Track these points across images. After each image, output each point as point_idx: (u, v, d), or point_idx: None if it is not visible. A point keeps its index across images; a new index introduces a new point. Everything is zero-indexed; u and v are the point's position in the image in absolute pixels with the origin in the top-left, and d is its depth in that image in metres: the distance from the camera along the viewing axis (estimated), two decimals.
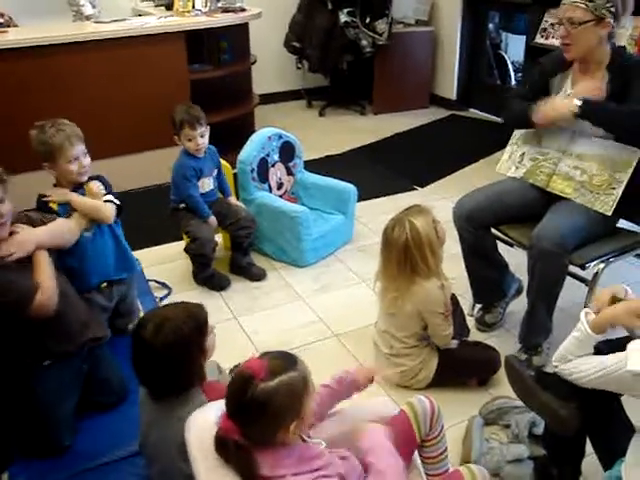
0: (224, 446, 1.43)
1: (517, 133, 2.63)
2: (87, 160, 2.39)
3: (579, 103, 2.26)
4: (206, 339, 1.76)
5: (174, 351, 1.66)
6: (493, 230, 2.67)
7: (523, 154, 2.57)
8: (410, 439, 1.70)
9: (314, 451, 1.51)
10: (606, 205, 2.33)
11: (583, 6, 2.23)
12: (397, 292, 2.33)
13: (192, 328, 1.71)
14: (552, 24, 4.45)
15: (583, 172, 2.39)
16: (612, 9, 2.23)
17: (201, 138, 3.02)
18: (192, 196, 3.06)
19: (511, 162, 2.61)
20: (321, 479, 1.44)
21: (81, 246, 2.38)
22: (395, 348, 2.40)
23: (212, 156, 3.15)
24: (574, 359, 1.63)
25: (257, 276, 3.24)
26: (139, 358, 1.70)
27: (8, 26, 4.46)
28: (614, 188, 2.32)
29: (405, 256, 2.26)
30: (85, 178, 2.42)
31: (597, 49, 2.33)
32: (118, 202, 2.51)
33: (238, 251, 3.26)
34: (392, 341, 2.41)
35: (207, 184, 3.14)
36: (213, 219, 3.11)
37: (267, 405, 1.37)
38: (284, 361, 1.44)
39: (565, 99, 2.35)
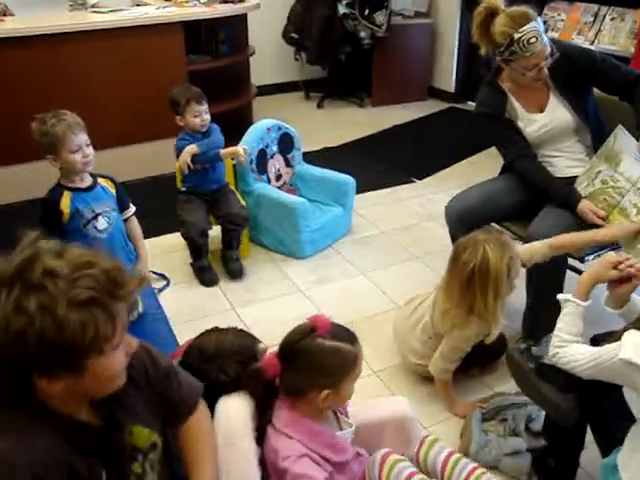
0: (255, 377, 1.51)
1: (605, 147, 2.37)
2: (90, 150, 2.35)
3: None
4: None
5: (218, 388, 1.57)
6: (494, 225, 2.66)
7: (599, 172, 2.37)
8: None
9: (333, 441, 1.55)
10: (635, 251, 2.19)
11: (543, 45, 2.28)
12: (456, 320, 2.14)
13: (237, 367, 1.60)
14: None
15: (638, 210, 2.26)
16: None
17: (206, 114, 3.06)
18: (178, 142, 3.05)
19: (587, 176, 2.42)
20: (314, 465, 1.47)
21: (96, 247, 2.36)
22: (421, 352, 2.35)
23: (209, 135, 3.13)
24: (570, 340, 1.59)
25: (232, 273, 3.19)
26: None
27: (4, 15, 4.43)
28: None
29: (468, 284, 2.06)
30: (90, 168, 2.38)
31: None
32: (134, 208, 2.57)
33: (224, 243, 3.26)
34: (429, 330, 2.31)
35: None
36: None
37: (314, 359, 1.47)
38: (346, 332, 1.54)
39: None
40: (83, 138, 2.32)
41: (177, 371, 1.43)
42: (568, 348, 1.57)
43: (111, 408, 1.23)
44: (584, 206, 2.34)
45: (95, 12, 4.32)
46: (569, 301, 1.63)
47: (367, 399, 1.87)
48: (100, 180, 2.45)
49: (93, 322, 1.06)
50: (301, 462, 1.47)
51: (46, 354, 1.04)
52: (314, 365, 1.48)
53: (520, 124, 2.51)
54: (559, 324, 1.64)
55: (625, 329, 1.44)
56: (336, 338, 1.49)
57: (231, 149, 3.16)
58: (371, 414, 1.79)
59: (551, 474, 1.93)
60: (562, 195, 2.41)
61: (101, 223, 2.39)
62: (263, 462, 1.51)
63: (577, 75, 2.38)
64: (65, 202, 2.32)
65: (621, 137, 2.31)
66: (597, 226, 2.32)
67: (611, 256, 1.64)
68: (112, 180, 2.51)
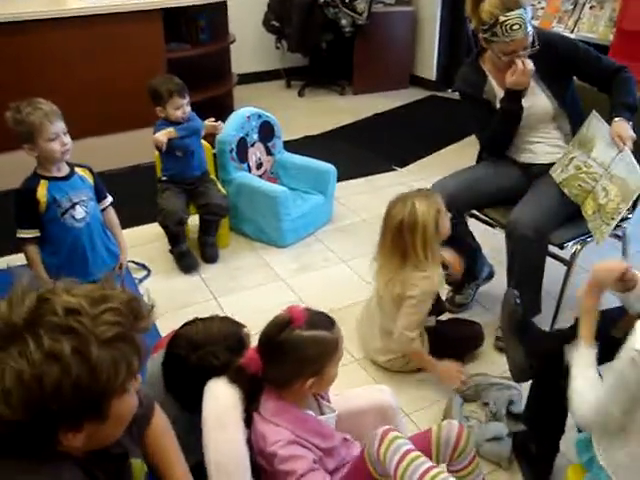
0: (239, 373, 1.51)
1: (579, 133, 2.42)
2: (68, 138, 2.31)
3: (630, 126, 2.24)
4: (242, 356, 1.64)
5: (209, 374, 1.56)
6: (474, 212, 2.68)
7: (573, 158, 2.40)
8: None
9: (320, 427, 1.56)
10: (601, 235, 2.27)
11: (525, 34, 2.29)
12: (391, 274, 2.29)
13: (227, 355, 1.60)
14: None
15: (606, 195, 2.27)
16: None
17: (187, 106, 3.04)
18: (156, 128, 3.03)
19: (560, 163, 2.45)
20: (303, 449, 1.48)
21: (76, 239, 2.36)
22: (387, 332, 2.38)
23: (192, 122, 3.10)
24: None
25: (208, 258, 3.21)
26: (172, 372, 1.64)
27: None
28: (613, 219, 2.24)
29: (397, 237, 2.22)
30: (68, 157, 2.34)
31: None
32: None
33: (201, 229, 3.25)
34: (387, 325, 2.38)
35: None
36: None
37: (294, 351, 1.47)
38: (323, 319, 1.54)
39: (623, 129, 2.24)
40: (60, 126, 2.28)
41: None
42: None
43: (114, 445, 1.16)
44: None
45: None
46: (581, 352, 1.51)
47: (349, 387, 1.87)
48: (77, 169, 2.42)
49: (125, 360, 1.00)
50: (290, 446, 1.48)
51: (79, 403, 0.96)
52: (295, 357, 1.48)
53: (498, 106, 2.52)
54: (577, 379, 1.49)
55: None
56: (314, 327, 1.50)
57: (209, 125, 3.17)
58: (354, 403, 1.79)
59: (532, 460, 1.95)
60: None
61: (79, 212, 2.37)
62: (250, 445, 1.51)
63: (559, 64, 2.40)
64: (42, 191, 2.30)
65: (594, 123, 2.34)
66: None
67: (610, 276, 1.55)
68: (89, 170, 2.48)
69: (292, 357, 1.48)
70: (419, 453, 1.46)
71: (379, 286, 2.38)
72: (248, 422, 1.54)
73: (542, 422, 1.88)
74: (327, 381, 1.56)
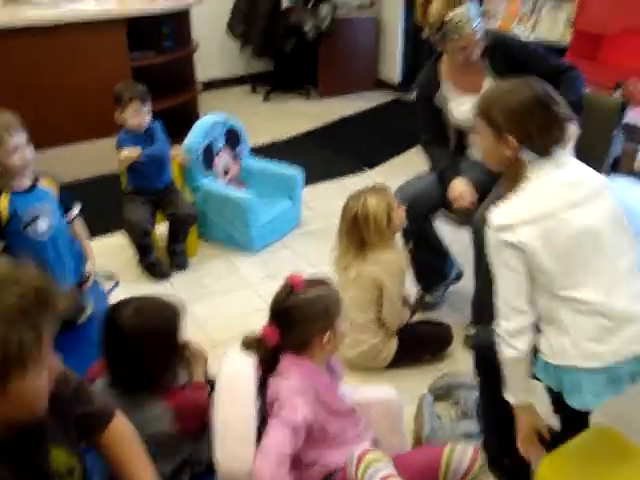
0: (257, 343, 1.65)
1: None
2: (30, 150, 2.26)
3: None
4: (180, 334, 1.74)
5: (149, 339, 1.64)
6: (439, 212, 2.71)
7: None
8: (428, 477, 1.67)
9: (331, 384, 1.68)
10: None
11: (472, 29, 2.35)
12: (347, 261, 2.42)
13: (172, 315, 1.72)
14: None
15: None
16: None
17: (147, 115, 3.02)
18: (118, 140, 3.03)
19: None
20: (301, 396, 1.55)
21: (40, 252, 2.32)
22: (353, 323, 2.39)
23: (152, 135, 3.08)
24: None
25: (178, 265, 3.21)
26: (111, 343, 1.66)
27: None
28: None
29: (352, 228, 2.37)
30: (29, 170, 2.30)
31: None
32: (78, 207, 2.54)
33: (170, 237, 3.25)
34: (352, 315, 2.38)
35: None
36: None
37: (304, 312, 1.62)
38: (320, 281, 1.72)
39: None
40: (21, 138, 2.23)
41: (86, 385, 1.41)
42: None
43: (28, 427, 1.16)
44: (454, 184, 2.49)
45: (32, 7, 4.20)
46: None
47: None
48: (42, 181, 2.38)
49: (17, 337, 1.01)
50: (293, 394, 1.55)
51: None
52: (306, 317, 1.62)
53: (451, 105, 2.58)
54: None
55: None
56: (314, 288, 1.67)
57: (176, 155, 3.19)
58: (360, 396, 1.86)
59: (508, 474, 1.94)
60: (439, 169, 2.59)
61: (40, 226, 2.33)
62: (264, 412, 1.59)
63: (513, 63, 2.44)
64: (3, 204, 2.26)
65: None
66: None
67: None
68: (54, 180, 2.45)
69: (303, 318, 1.62)
70: (398, 478, 1.47)
71: (338, 273, 2.47)
72: (263, 392, 1.62)
73: (510, 434, 1.76)
74: (340, 335, 1.68)
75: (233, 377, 1.62)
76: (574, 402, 1.57)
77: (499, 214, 1.58)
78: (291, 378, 1.58)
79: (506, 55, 2.44)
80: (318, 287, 1.69)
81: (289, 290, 1.67)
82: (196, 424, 1.69)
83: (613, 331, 1.52)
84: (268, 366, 1.65)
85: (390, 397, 1.90)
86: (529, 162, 1.60)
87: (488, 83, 2.48)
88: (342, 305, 1.70)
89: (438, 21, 2.33)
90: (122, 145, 3.00)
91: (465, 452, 1.65)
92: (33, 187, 2.34)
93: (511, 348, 1.58)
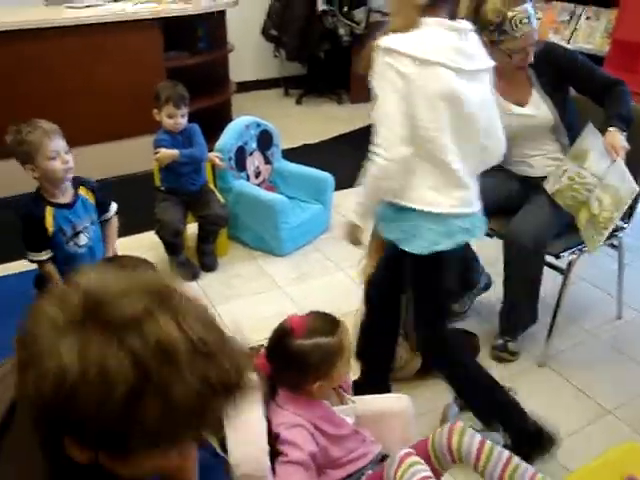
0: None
1: (574, 146, 2.42)
2: (69, 156, 2.28)
3: (624, 136, 2.25)
4: None
5: None
6: None
7: (566, 170, 2.40)
8: None
9: (331, 415, 1.59)
10: (593, 245, 2.31)
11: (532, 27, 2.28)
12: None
13: None
14: None
15: (600, 204, 2.30)
16: None
17: (181, 118, 3.04)
18: (156, 139, 3.06)
19: (554, 174, 2.45)
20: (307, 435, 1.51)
21: (78, 263, 2.34)
22: None
23: (190, 137, 3.12)
24: None
25: (206, 266, 3.23)
26: None
27: None
28: (606, 228, 2.27)
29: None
30: (70, 176, 2.32)
31: None
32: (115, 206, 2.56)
33: (200, 237, 3.28)
34: None
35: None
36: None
37: (297, 360, 1.51)
38: (325, 324, 1.56)
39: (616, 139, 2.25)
40: (60, 144, 2.27)
41: None
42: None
43: None
44: None
45: (71, 7, 4.27)
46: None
47: None
48: (81, 191, 2.40)
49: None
50: (293, 430, 1.51)
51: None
52: (298, 365, 1.52)
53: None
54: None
55: None
56: (315, 334, 1.52)
57: (212, 157, 3.22)
58: (373, 407, 1.82)
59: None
60: None
61: (82, 239, 2.38)
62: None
63: (560, 73, 2.40)
64: (49, 220, 2.29)
65: (589, 135, 2.35)
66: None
67: None
68: (91, 187, 2.46)
69: (296, 365, 1.52)
70: None
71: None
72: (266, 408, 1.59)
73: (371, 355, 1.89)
74: (336, 380, 1.59)
75: None
76: (411, 247, 1.81)
77: (390, 39, 1.67)
78: (289, 412, 1.55)
79: (553, 65, 2.39)
80: (319, 335, 1.53)
81: (287, 332, 1.54)
82: None
83: (455, 188, 1.80)
84: (267, 390, 1.61)
85: (402, 407, 1.84)
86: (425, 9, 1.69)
87: (537, 95, 2.43)
88: (346, 350, 1.57)
89: (498, 18, 2.22)
90: (160, 145, 3.04)
91: (442, 432, 1.61)
92: (75, 201, 2.36)
93: (388, 180, 1.77)
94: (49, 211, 2.29)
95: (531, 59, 2.34)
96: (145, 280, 0.81)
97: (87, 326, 0.74)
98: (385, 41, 1.68)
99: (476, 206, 1.88)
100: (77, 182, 2.39)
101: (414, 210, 1.81)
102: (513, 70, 2.39)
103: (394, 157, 1.73)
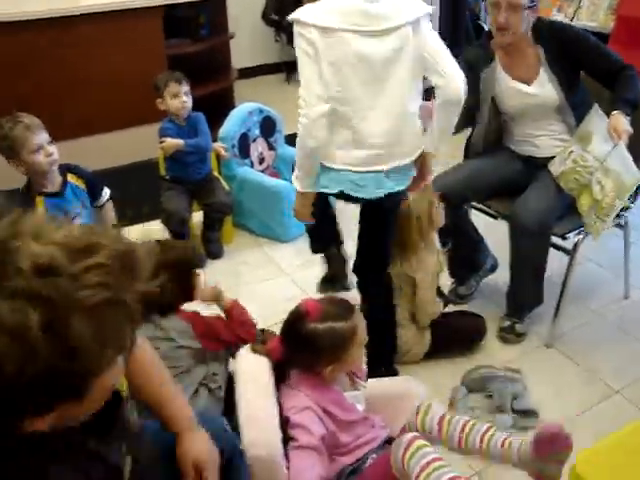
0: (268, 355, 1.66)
1: (580, 127, 2.40)
2: (53, 148, 2.32)
3: (627, 120, 2.23)
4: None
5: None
6: (476, 204, 2.69)
7: (571, 152, 2.38)
8: None
9: (341, 399, 1.62)
10: (596, 232, 2.32)
11: None
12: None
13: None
14: None
15: (602, 189, 2.29)
16: None
17: (186, 96, 3.04)
18: (161, 128, 3.07)
19: (560, 157, 2.42)
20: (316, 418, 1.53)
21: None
22: None
23: (195, 126, 3.13)
24: None
25: (212, 254, 3.24)
26: None
27: None
28: (608, 215, 2.28)
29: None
30: (55, 168, 2.37)
31: (526, 33, 2.38)
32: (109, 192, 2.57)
33: (205, 225, 3.29)
34: None
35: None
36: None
37: (311, 343, 1.54)
38: (339, 309, 1.59)
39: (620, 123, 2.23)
40: (43, 136, 2.30)
41: None
42: None
43: None
44: None
45: None
46: None
47: None
48: (69, 177, 2.43)
49: (114, 332, 0.78)
50: (303, 413, 1.54)
51: (51, 389, 0.74)
52: (312, 348, 1.55)
53: (502, 90, 2.50)
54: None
55: None
56: (329, 318, 1.56)
57: (217, 147, 3.23)
58: (381, 390, 1.85)
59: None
60: None
61: None
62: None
63: (569, 54, 2.37)
64: (40, 209, 2.32)
65: (595, 117, 2.33)
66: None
67: None
68: (80, 173, 2.48)
69: (309, 348, 1.55)
70: (444, 462, 1.48)
71: None
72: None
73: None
74: (349, 364, 1.62)
75: (251, 371, 1.65)
76: (328, 187, 2.00)
77: (300, 10, 1.85)
78: (300, 394, 1.57)
79: (563, 47, 2.37)
80: (333, 320, 1.56)
81: (302, 315, 1.58)
82: (210, 343, 1.94)
83: (357, 148, 1.93)
84: (278, 374, 1.65)
85: (410, 389, 1.87)
86: None
87: (544, 75, 2.41)
88: (359, 335, 1.59)
89: None
90: (165, 134, 3.04)
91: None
92: (64, 189, 2.40)
93: (312, 138, 1.88)
94: (39, 201, 2.34)
95: (503, 42, 2.37)
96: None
97: None
98: (295, 13, 1.85)
99: (379, 166, 1.97)
100: (64, 169, 2.42)
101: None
102: (523, 48, 2.39)
103: (313, 115, 1.85)
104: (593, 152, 2.31)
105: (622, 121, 2.22)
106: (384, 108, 1.91)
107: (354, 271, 2.27)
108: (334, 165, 1.96)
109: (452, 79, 1.88)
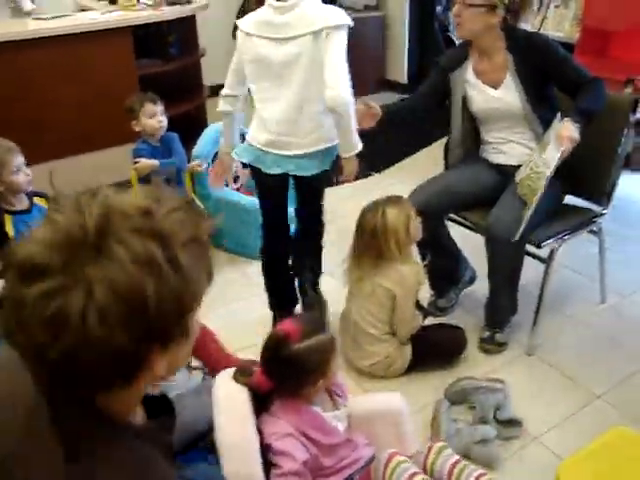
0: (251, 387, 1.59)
1: (544, 136, 2.43)
2: (28, 170, 2.46)
3: (575, 128, 2.22)
4: None
5: None
6: (453, 216, 2.70)
7: (531, 160, 2.40)
8: None
9: (322, 423, 1.61)
10: (531, 193, 2.32)
11: None
12: (361, 272, 2.39)
13: None
14: None
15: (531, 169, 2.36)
16: (506, 1, 2.33)
17: (162, 116, 3.03)
18: (135, 149, 3.05)
19: (524, 165, 2.44)
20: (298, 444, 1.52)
21: None
22: (366, 335, 2.40)
23: (169, 147, 3.11)
24: None
25: None
26: None
27: None
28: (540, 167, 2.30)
29: (370, 242, 2.34)
30: (31, 187, 2.48)
31: (485, 35, 2.42)
32: None
33: None
34: (365, 327, 2.40)
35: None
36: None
37: (299, 365, 1.53)
38: (314, 323, 1.64)
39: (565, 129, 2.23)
40: (20, 159, 2.43)
41: None
42: None
43: None
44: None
45: (37, 19, 4.22)
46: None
47: None
48: (36, 200, 2.52)
49: (205, 265, 0.87)
50: (285, 440, 1.52)
51: (174, 318, 0.82)
52: (301, 369, 1.54)
53: (471, 92, 2.55)
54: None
55: None
56: (310, 334, 1.56)
57: (193, 166, 3.24)
58: (365, 407, 1.84)
59: None
60: (387, 105, 2.81)
61: None
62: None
63: (538, 64, 2.39)
64: (8, 226, 2.40)
65: (556, 125, 2.35)
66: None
67: None
68: (46, 198, 2.56)
69: (298, 370, 1.54)
70: (425, 477, 1.48)
71: (350, 284, 2.46)
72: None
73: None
74: (329, 378, 1.62)
75: (229, 398, 1.58)
76: (240, 156, 2.49)
77: (242, 19, 2.35)
78: (280, 421, 1.56)
79: (532, 55, 2.39)
80: (314, 333, 1.57)
81: (282, 340, 1.55)
82: None
83: (262, 131, 2.36)
84: (258, 403, 1.60)
85: (394, 406, 1.86)
86: None
87: (510, 81, 2.44)
88: (337, 346, 1.63)
89: None
90: (139, 154, 3.01)
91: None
92: (30, 207, 2.50)
93: (220, 107, 2.51)
94: (7, 218, 2.43)
95: (461, 36, 2.54)
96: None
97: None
98: (239, 20, 2.35)
99: (282, 151, 2.34)
100: (31, 194, 2.53)
101: None
102: (494, 53, 2.44)
103: (222, 93, 2.48)
104: (546, 158, 2.30)
105: (569, 128, 2.21)
106: (284, 102, 2.27)
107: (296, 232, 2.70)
108: (249, 140, 2.42)
109: (332, 88, 2.14)
